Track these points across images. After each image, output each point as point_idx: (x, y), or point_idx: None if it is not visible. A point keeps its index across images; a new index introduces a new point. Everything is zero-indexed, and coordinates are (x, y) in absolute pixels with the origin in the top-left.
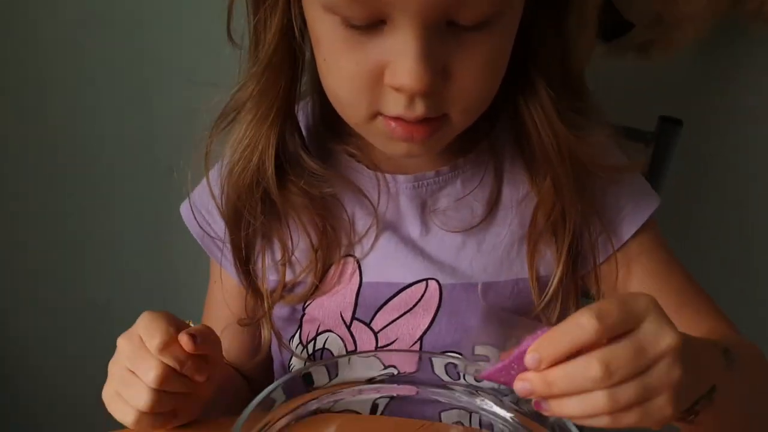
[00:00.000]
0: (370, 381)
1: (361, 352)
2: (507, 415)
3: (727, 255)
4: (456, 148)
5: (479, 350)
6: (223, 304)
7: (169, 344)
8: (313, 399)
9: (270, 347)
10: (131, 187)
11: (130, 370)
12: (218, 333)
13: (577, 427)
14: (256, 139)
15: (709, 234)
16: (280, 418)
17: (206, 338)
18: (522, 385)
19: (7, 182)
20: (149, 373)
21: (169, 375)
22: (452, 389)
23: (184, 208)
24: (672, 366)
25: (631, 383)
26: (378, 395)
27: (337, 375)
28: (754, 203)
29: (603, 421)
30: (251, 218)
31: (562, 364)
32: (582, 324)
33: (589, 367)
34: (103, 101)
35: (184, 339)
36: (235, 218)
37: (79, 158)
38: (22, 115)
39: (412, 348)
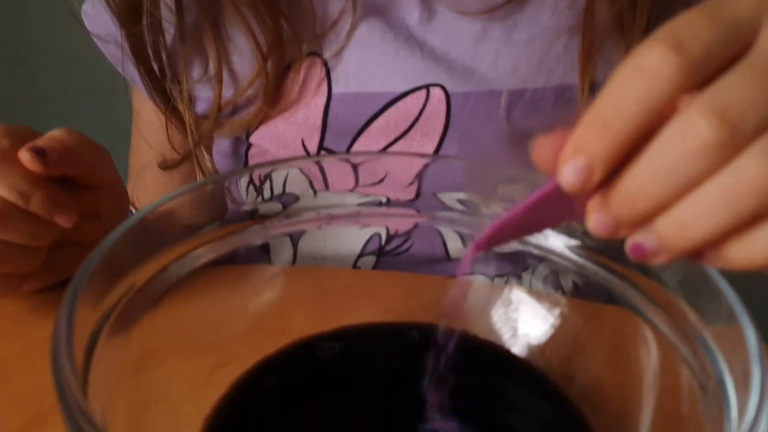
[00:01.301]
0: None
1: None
2: (562, 245)
3: None
4: None
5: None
6: (140, 139)
7: None
8: (257, 225)
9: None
10: None
11: None
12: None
13: None
14: None
15: None
16: (194, 249)
17: (72, 153)
18: (596, 218)
19: None
20: None
21: (5, 212)
22: (474, 214)
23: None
24: None
25: None
26: (357, 227)
27: (297, 200)
28: None
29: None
30: (153, 7)
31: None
32: (651, 67)
33: (690, 128)
34: None
35: (25, 156)
36: (128, 5)
37: None
38: None
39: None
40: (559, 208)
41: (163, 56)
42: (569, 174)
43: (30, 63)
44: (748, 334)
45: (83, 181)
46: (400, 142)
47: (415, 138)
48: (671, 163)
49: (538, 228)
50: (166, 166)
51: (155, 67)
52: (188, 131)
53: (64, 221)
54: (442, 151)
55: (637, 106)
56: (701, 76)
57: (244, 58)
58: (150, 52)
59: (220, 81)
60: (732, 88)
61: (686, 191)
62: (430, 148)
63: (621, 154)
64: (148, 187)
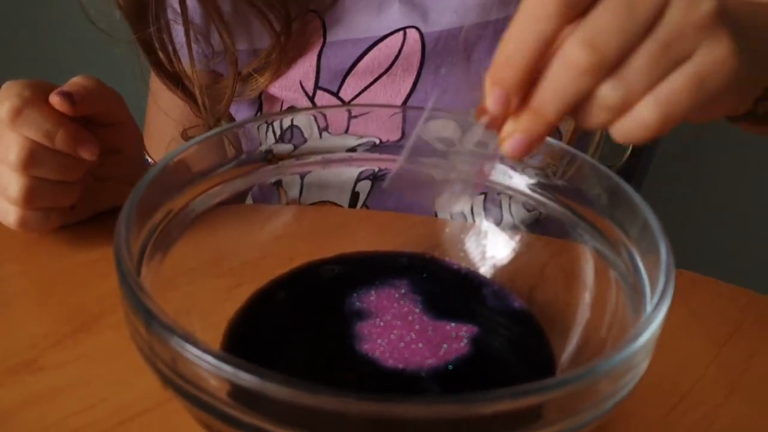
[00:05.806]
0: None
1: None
2: (524, 184)
3: None
4: None
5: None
6: (158, 112)
7: (20, 110)
8: (270, 165)
9: None
10: None
11: None
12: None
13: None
14: None
15: None
16: (215, 186)
17: (92, 94)
18: (512, 141)
19: None
20: (9, 151)
21: (36, 152)
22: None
23: None
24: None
25: (640, 54)
26: (355, 169)
27: (305, 141)
28: None
29: (646, 118)
30: (159, 10)
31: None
32: (536, 6)
33: (569, 57)
34: None
35: (55, 99)
36: (136, 8)
37: None
38: None
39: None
40: None
41: (170, 49)
42: (490, 103)
43: (49, 33)
44: (658, 239)
45: (101, 119)
46: (384, 79)
47: (396, 73)
48: (561, 85)
49: None
50: (186, 137)
51: (162, 57)
52: (202, 112)
53: (87, 154)
54: (419, 85)
55: (530, 41)
56: (577, 9)
57: (256, 31)
58: (156, 44)
59: (232, 63)
60: (598, 20)
61: (577, 105)
62: (410, 81)
63: (527, 81)
64: None
